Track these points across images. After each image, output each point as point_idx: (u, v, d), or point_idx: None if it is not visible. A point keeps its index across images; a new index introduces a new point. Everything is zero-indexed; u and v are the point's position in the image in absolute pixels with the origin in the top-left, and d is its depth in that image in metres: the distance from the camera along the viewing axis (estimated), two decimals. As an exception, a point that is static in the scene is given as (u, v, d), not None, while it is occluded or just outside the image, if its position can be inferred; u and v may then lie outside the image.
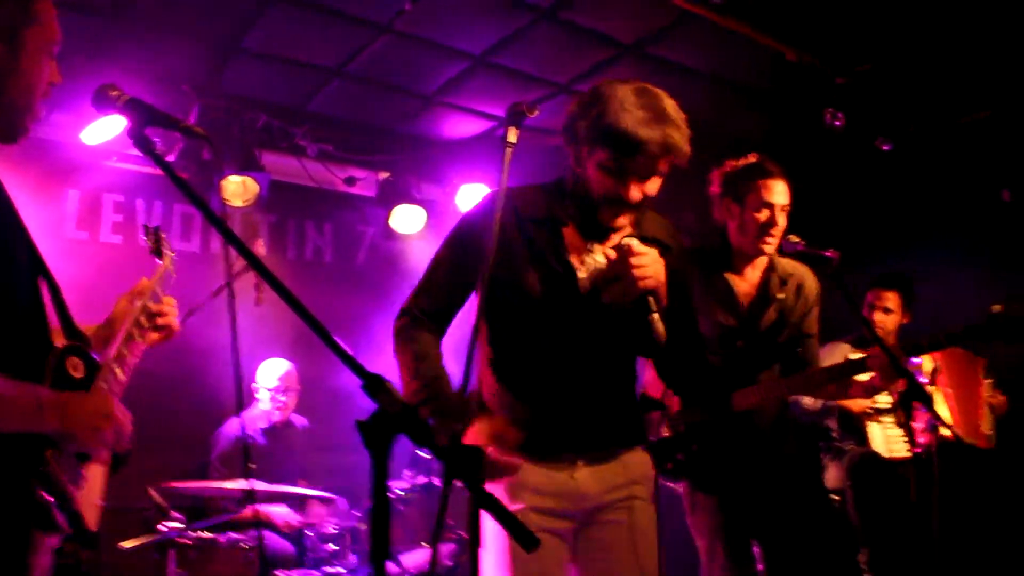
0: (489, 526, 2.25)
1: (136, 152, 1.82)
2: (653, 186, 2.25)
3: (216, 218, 1.59)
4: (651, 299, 2.17)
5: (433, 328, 2.43)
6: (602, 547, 2.34)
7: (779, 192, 3.33)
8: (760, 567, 3.43)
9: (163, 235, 2.65)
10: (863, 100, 5.45)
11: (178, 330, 2.35)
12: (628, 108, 2.13)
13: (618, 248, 2.25)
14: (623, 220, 2.28)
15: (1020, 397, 4.96)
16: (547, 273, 2.33)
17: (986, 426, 4.70)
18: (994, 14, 4.69)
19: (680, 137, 2.16)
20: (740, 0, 4.62)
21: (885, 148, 5.67)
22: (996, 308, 3.26)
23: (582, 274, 2.33)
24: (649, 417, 3.37)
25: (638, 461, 2.43)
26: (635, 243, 2.21)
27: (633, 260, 2.18)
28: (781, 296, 3.42)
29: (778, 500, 3.42)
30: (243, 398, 5.53)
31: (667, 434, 3.36)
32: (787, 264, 3.47)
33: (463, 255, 2.39)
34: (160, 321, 2.27)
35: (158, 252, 2.59)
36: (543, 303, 2.32)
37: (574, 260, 2.33)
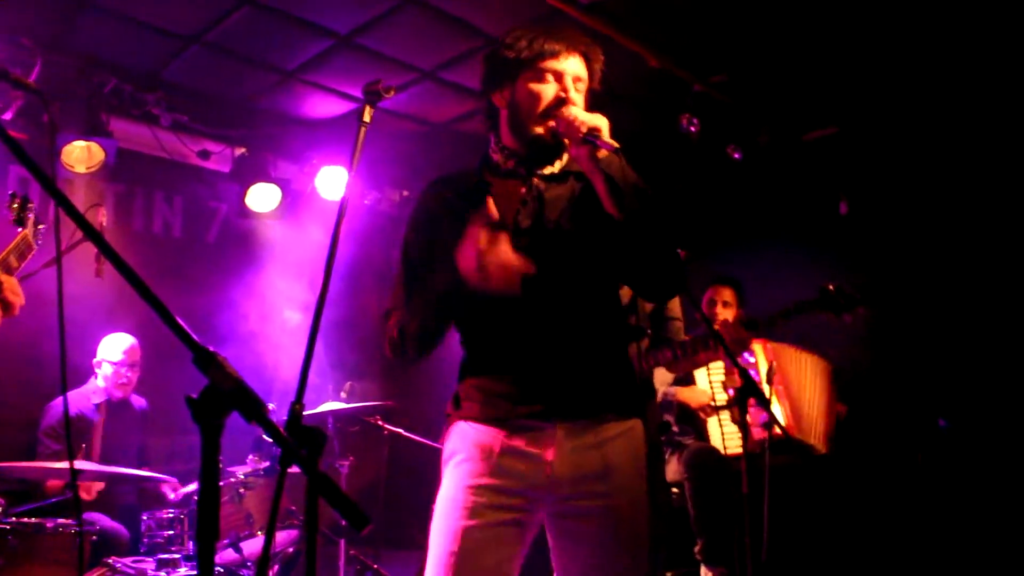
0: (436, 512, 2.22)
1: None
2: (579, 97, 2.34)
3: (48, 181, 1.49)
4: (597, 138, 2.17)
5: None
6: (580, 543, 2.22)
7: None
8: None
9: (31, 204, 2.56)
10: (718, 109, 5.67)
11: (17, 313, 2.25)
12: (540, 30, 2.34)
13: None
14: (557, 131, 2.28)
15: (851, 399, 5.26)
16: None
17: (830, 432, 4.94)
18: (847, 38, 4.97)
19: (590, 41, 2.39)
20: (607, 2, 4.72)
21: (736, 156, 5.92)
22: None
23: (523, 218, 2.31)
24: None
25: (627, 437, 2.27)
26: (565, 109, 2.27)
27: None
28: None
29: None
30: (73, 376, 5.27)
31: None
32: None
33: (412, 247, 2.42)
34: (6, 296, 2.17)
35: (20, 221, 2.51)
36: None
37: (506, 210, 2.33)
